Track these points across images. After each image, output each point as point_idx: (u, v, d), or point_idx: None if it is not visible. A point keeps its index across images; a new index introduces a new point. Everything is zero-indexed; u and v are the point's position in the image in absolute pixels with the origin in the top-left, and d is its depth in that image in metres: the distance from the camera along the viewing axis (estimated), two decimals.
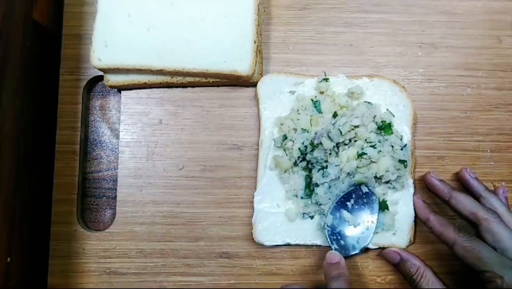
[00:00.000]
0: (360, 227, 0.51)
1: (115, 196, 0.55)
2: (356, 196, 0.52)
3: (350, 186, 0.51)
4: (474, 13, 0.58)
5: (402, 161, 0.53)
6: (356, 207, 0.51)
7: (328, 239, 0.51)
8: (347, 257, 0.51)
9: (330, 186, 0.51)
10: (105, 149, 0.58)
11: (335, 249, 0.51)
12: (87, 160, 0.57)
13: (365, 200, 0.52)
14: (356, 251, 0.51)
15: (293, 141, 0.52)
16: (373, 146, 0.51)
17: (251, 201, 0.54)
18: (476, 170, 0.54)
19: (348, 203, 0.51)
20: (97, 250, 0.54)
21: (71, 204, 0.55)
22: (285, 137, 0.53)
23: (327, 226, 0.51)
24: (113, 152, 0.58)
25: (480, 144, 0.56)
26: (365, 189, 0.51)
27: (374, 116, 0.52)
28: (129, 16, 0.53)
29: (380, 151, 0.51)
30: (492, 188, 0.55)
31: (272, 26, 0.57)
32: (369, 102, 0.53)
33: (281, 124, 0.53)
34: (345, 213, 0.51)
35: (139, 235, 0.54)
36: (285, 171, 0.53)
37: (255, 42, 0.53)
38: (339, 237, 0.51)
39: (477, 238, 0.47)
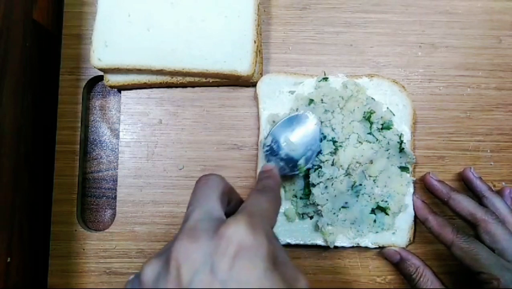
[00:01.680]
0: (301, 146, 0.50)
1: (115, 196, 0.55)
2: (298, 121, 0.51)
3: (348, 186, 0.51)
4: (474, 13, 0.58)
5: (404, 168, 0.53)
6: (296, 128, 0.51)
7: (266, 158, 0.51)
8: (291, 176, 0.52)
9: (326, 186, 0.51)
10: (105, 149, 0.58)
11: None
12: (87, 160, 0.57)
13: (304, 124, 0.51)
14: (302, 165, 0.50)
15: None
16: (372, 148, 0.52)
17: None
18: (476, 170, 0.54)
19: (288, 126, 0.51)
20: (97, 250, 0.54)
21: (71, 204, 0.55)
22: None
23: (266, 145, 0.51)
24: (113, 152, 0.58)
25: (480, 144, 0.56)
26: (305, 116, 0.51)
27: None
28: (129, 16, 0.53)
29: (377, 151, 0.51)
30: (493, 188, 0.55)
31: (272, 26, 0.57)
32: (372, 98, 0.53)
33: (273, 122, 0.53)
34: (286, 137, 0.50)
35: (139, 235, 0.54)
36: None
37: (255, 42, 0.53)
38: (278, 158, 0.50)
39: (475, 239, 0.48)
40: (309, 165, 0.51)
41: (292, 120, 0.51)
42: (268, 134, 0.51)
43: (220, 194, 0.35)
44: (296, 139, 0.51)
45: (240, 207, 0.35)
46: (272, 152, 0.51)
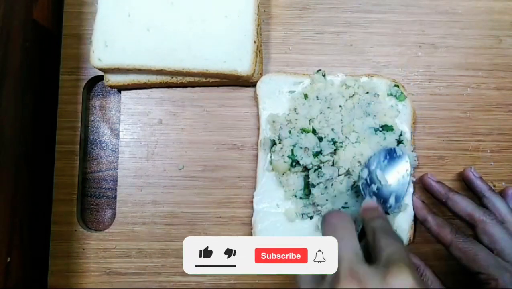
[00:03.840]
0: (393, 186, 0.50)
1: (115, 196, 0.55)
2: (390, 157, 0.51)
3: (348, 187, 0.51)
4: (474, 13, 0.58)
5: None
6: (389, 167, 0.50)
7: (362, 192, 0.50)
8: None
9: (326, 187, 0.51)
10: (105, 149, 0.58)
11: None
12: (87, 160, 0.57)
13: (397, 161, 0.50)
14: (392, 206, 0.49)
15: (282, 143, 0.52)
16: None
17: (251, 201, 0.54)
18: (476, 170, 0.54)
19: (381, 163, 0.50)
20: (97, 250, 0.54)
21: (71, 204, 0.55)
22: (273, 142, 0.53)
23: (362, 178, 0.50)
24: (113, 152, 0.58)
25: (480, 144, 0.56)
26: (399, 152, 0.51)
27: (374, 116, 0.53)
28: (129, 16, 0.53)
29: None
30: (493, 188, 0.55)
31: (272, 26, 0.57)
32: (376, 94, 0.54)
33: (273, 122, 0.53)
34: (378, 171, 0.50)
35: (139, 235, 0.54)
36: (283, 174, 0.53)
37: (255, 42, 0.53)
38: (371, 193, 0.50)
39: (474, 240, 0.48)
40: (397, 208, 0.51)
41: (386, 154, 0.51)
42: (363, 167, 0.51)
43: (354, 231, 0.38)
44: (390, 177, 0.50)
45: (386, 253, 0.36)
46: (366, 187, 0.50)
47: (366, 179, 0.50)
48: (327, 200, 0.51)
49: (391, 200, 0.49)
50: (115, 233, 0.54)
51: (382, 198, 0.49)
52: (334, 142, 0.52)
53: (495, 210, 0.50)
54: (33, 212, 0.54)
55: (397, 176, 0.50)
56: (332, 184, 0.51)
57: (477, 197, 0.52)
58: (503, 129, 0.56)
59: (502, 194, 0.53)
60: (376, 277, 0.33)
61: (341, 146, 0.52)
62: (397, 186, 0.50)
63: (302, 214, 0.53)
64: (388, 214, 0.51)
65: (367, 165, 0.51)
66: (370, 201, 0.46)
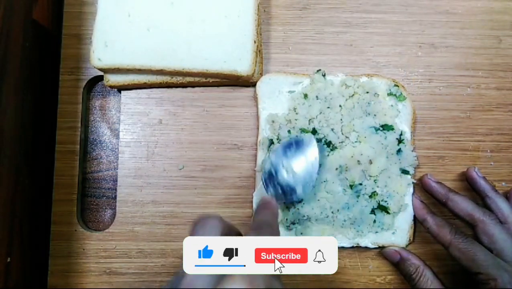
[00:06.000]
0: (300, 174, 0.49)
1: (115, 196, 0.55)
2: (296, 144, 0.50)
3: (345, 189, 0.51)
4: (474, 13, 0.58)
5: (405, 171, 0.53)
6: (296, 155, 0.50)
7: (264, 184, 0.50)
8: (289, 203, 0.51)
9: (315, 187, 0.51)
10: (105, 149, 0.58)
11: (271, 195, 0.49)
12: (87, 160, 0.57)
13: (305, 149, 0.50)
14: (300, 195, 0.49)
15: (280, 143, 0.52)
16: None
17: (251, 201, 0.54)
18: None
19: (287, 150, 0.50)
20: (97, 250, 0.54)
21: (71, 204, 0.55)
22: (271, 142, 0.53)
23: (264, 171, 0.50)
24: (113, 152, 0.58)
25: (480, 144, 0.56)
26: (307, 140, 0.50)
27: (375, 115, 0.53)
28: (129, 16, 0.53)
29: (375, 148, 0.51)
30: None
31: (272, 26, 0.57)
32: (376, 94, 0.54)
33: (273, 122, 0.53)
34: (284, 160, 0.50)
35: (139, 235, 0.54)
36: None
37: (255, 42, 0.53)
38: (276, 184, 0.49)
39: (473, 240, 0.48)
40: (305, 194, 0.50)
41: (291, 144, 0.50)
42: (266, 159, 0.51)
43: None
44: (297, 166, 0.49)
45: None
46: (271, 178, 0.50)
47: (269, 170, 0.50)
48: (318, 200, 0.52)
49: (299, 190, 0.49)
50: (115, 233, 0.54)
51: (288, 188, 0.49)
52: (329, 143, 0.52)
53: (498, 211, 0.50)
54: (33, 212, 0.54)
55: (304, 164, 0.49)
56: (325, 185, 0.51)
57: (480, 197, 0.52)
58: (503, 129, 0.56)
59: (507, 194, 0.53)
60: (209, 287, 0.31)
61: (339, 147, 0.52)
62: (304, 174, 0.49)
63: (292, 223, 0.52)
64: (297, 202, 0.51)
65: (270, 158, 0.50)
66: (266, 197, 0.46)
